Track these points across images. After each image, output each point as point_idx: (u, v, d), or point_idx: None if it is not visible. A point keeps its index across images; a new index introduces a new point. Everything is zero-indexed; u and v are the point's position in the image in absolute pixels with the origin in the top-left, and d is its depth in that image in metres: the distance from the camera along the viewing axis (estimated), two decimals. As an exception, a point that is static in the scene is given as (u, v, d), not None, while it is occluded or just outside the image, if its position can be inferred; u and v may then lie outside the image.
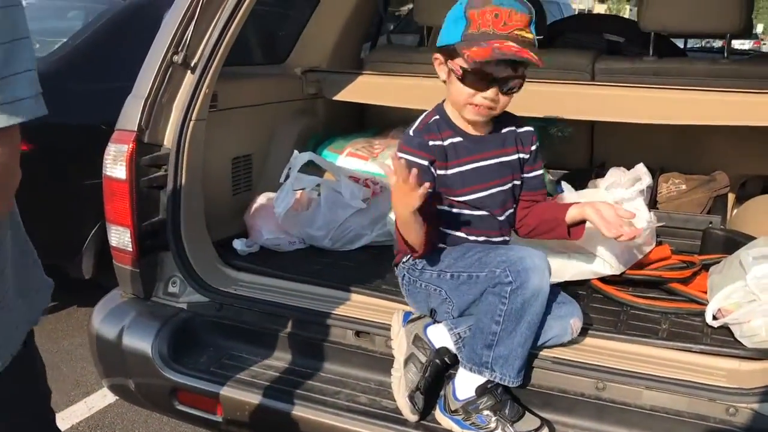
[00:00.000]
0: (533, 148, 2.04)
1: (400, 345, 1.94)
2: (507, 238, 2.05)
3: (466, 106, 1.86)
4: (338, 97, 3.12)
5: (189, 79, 2.25)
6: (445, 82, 1.91)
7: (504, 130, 1.99)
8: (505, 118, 2.00)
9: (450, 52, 1.84)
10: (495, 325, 1.77)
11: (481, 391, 1.81)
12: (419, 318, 1.99)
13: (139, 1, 4.06)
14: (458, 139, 1.92)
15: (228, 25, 2.27)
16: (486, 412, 1.80)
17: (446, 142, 1.91)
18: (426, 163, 1.88)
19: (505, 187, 1.99)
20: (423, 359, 1.90)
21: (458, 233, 1.97)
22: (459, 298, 1.89)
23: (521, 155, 2.02)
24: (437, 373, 1.91)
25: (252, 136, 2.90)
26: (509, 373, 1.79)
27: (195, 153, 2.29)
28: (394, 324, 1.99)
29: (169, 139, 2.23)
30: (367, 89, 3.09)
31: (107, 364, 2.26)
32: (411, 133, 1.94)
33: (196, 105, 2.25)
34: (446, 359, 1.92)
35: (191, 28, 2.20)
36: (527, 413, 1.81)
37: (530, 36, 1.77)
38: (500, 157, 1.98)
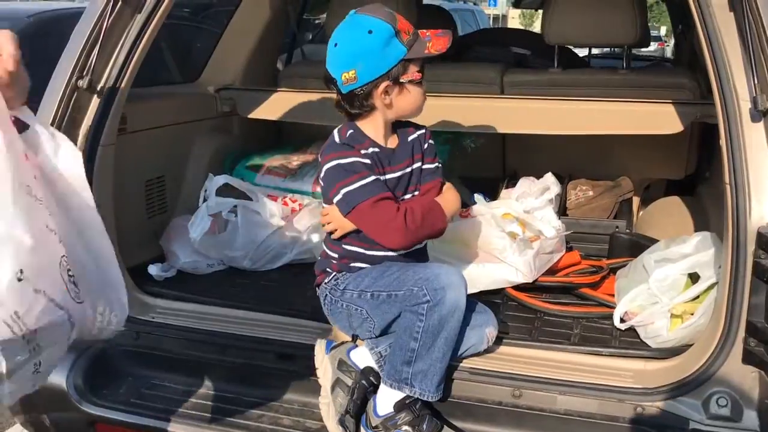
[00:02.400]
0: (426, 146, 2.05)
1: (325, 372, 1.94)
2: (420, 246, 2.04)
3: (420, 108, 1.95)
4: (253, 115, 3.11)
5: (95, 104, 2.20)
6: (388, 105, 1.88)
7: (409, 139, 2.02)
8: (406, 127, 2.04)
9: (397, 71, 1.83)
10: (413, 341, 1.81)
11: (400, 406, 1.84)
12: (342, 344, 2.01)
13: (45, 17, 3.93)
14: (376, 149, 1.94)
15: (135, 47, 2.23)
16: (405, 428, 1.82)
17: (369, 151, 1.92)
18: (368, 161, 1.88)
19: (416, 193, 2.02)
20: (349, 382, 1.91)
21: (372, 252, 1.96)
22: (380, 317, 1.91)
23: (424, 159, 2.04)
24: (365, 395, 1.92)
25: (165, 157, 2.85)
26: (428, 389, 1.83)
27: (104, 179, 2.24)
28: (317, 353, 2.00)
29: (76, 166, 2.16)
30: (281, 106, 3.08)
31: (19, 400, 2.18)
32: (339, 143, 1.91)
33: (103, 130, 2.20)
34: (372, 379, 1.93)
35: (96, 51, 2.16)
36: (446, 427, 1.85)
37: None
38: (410, 167, 2.01)
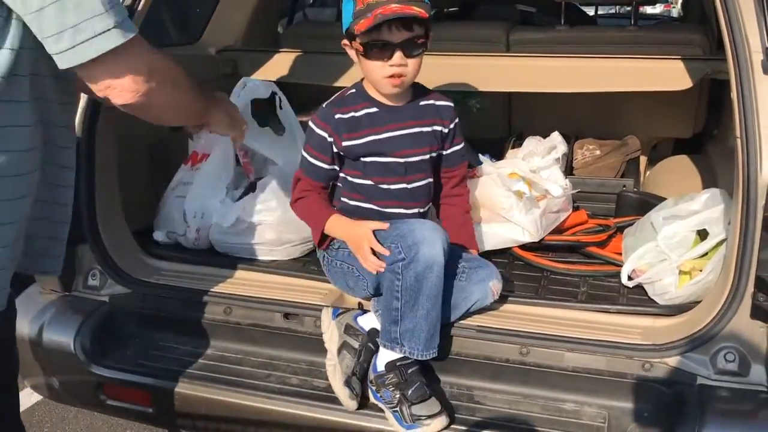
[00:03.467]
0: (452, 124, 2.08)
1: (332, 336, 1.94)
2: (422, 210, 2.08)
3: (382, 81, 1.91)
4: (255, 76, 3.06)
5: (96, 66, 2.17)
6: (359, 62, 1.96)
7: (422, 103, 2.04)
8: (424, 92, 2.05)
9: (350, 35, 1.90)
10: (396, 301, 1.79)
11: (390, 367, 1.83)
12: (348, 310, 2.00)
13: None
14: (374, 109, 1.97)
15: (134, 6, 2.20)
16: (391, 388, 1.81)
17: (360, 113, 1.96)
18: (325, 134, 1.97)
19: (419, 158, 2.02)
20: (356, 345, 1.91)
21: (370, 205, 2.02)
22: (370, 275, 1.91)
23: (437, 128, 2.05)
24: (372, 357, 1.91)
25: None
26: (416, 347, 1.80)
27: (108, 143, 2.22)
28: (324, 319, 2.00)
29: (79, 130, 2.14)
30: (284, 67, 3.04)
31: (28, 362, 2.19)
32: (324, 105, 2.01)
33: (105, 92, 2.17)
34: (378, 341, 1.92)
35: (95, 11, 2.12)
36: (432, 398, 1.81)
37: None
38: (416, 128, 2.01)
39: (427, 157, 2.04)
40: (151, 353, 2.12)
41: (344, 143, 1.96)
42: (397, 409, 1.78)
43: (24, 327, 2.14)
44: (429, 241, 1.77)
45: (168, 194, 2.50)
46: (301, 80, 3.01)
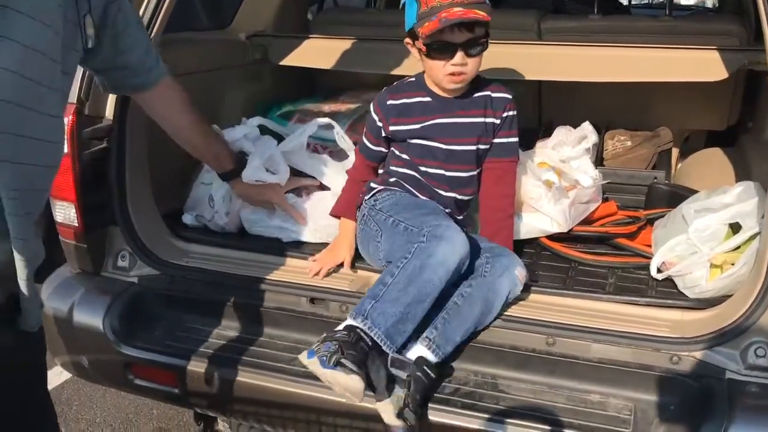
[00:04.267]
0: (505, 114, 2.10)
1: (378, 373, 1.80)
2: (458, 198, 2.11)
3: (443, 78, 1.99)
4: (285, 62, 3.07)
5: (128, 48, 2.18)
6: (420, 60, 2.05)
7: (476, 95, 2.09)
8: (483, 83, 2.11)
9: (413, 35, 1.99)
10: (390, 276, 1.77)
11: (349, 328, 1.71)
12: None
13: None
14: (427, 99, 2.09)
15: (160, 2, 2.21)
16: (335, 344, 1.65)
17: (412, 100, 2.09)
18: (376, 118, 2.12)
19: (463, 148, 2.07)
20: (404, 376, 1.73)
21: (413, 173, 2.11)
22: (390, 246, 1.97)
23: (489, 119, 2.08)
24: (424, 387, 1.73)
25: (198, 105, 2.82)
26: (380, 324, 1.69)
27: (138, 125, 2.24)
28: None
29: (110, 111, 2.17)
30: (314, 53, 3.04)
31: (58, 341, 2.23)
32: (383, 90, 2.15)
33: (136, 75, 2.18)
34: (426, 369, 1.74)
35: (128, -6, 2.13)
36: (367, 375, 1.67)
37: None
38: (463, 118, 2.07)
39: (473, 148, 2.08)
40: (178, 334, 2.14)
41: (391, 128, 2.09)
42: (326, 355, 1.63)
43: (55, 306, 2.18)
44: (453, 245, 1.79)
45: (197, 180, 2.52)
46: (329, 66, 3.01)
